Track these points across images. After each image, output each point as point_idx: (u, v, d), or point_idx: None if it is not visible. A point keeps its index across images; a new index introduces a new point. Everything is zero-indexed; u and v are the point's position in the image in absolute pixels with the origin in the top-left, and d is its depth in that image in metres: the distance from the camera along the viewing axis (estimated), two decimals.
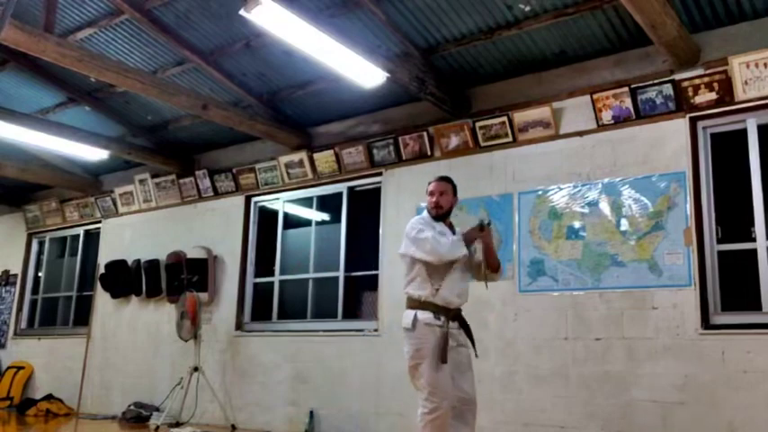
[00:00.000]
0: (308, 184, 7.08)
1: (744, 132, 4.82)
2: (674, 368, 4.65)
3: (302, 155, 6.96)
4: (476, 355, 3.95)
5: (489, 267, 3.98)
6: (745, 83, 4.62)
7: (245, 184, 7.50)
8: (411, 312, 3.79)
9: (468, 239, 3.94)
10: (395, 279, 6.10)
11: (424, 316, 3.75)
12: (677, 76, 4.92)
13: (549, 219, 5.38)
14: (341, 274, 6.65)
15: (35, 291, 9.91)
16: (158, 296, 7.96)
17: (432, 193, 4.00)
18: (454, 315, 3.83)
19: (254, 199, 7.58)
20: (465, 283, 3.97)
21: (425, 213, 4.03)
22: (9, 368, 9.27)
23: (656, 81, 4.99)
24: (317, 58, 5.13)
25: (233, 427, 6.74)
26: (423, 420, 3.61)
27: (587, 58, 5.42)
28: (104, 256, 8.71)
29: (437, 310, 3.76)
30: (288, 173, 7.13)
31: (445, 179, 4.09)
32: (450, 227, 4.01)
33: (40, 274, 10.02)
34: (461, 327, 3.90)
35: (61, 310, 9.47)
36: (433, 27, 5.41)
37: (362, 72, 5.27)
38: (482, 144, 5.83)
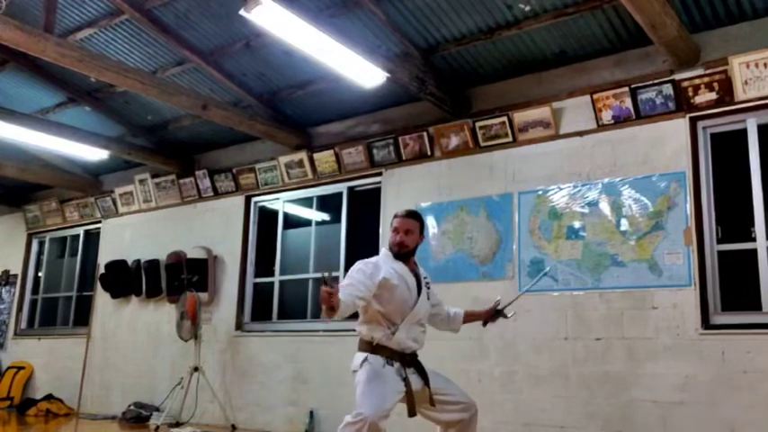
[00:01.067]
0: (308, 184, 7.08)
1: (744, 132, 4.82)
2: (674, 368, 4.65)
3: (302, 155, 6.96)
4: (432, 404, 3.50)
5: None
6: (745, 83, 4.62)
7: (245, 184, 7.50)
8: (361, 356, 3.42)
9: (482, 317, 3.94)
10: None
11: (375, 362, 3.37)
12: (677, 76, 4.92)
13: (549, 219, 5.38)
14: (341, 274, 6.65)
15: (35, 291, 9.91)
16: (158, 296, 7.96)
17: (396, 230, 3.60)
18: (410, 360, 3.46)
19: (254, 199, 7.58)
20: (423, 327, 3.61)
21: (385, 250, 3.65)
22: (9, 368, 9.27)
23: (656, 81, 4.99)
24: (317, 58, 5.13)
25: (233, 427, 6.74)
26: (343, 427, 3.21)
27: (587, 58, 5.42)
28: (104, 256, 8.71)
29: (391, 355, 3.40)
30: (288, 173, 7.13)
31: (412, 215, 3.67)
32: (414, 268, 3.64)
33: (40, 274, 10.02)
34: (417, 372, 3.48)
35: (61, 310, 9.47)
36: (433, 27, 5.41)
37: (362, 72, 5.27)
38: (482, 144, 5.83)
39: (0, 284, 10.10)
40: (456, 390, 3.61)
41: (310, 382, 6.50)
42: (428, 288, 3.66)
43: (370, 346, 3.42)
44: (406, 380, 3.38)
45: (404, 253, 3.59)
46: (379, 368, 3.35)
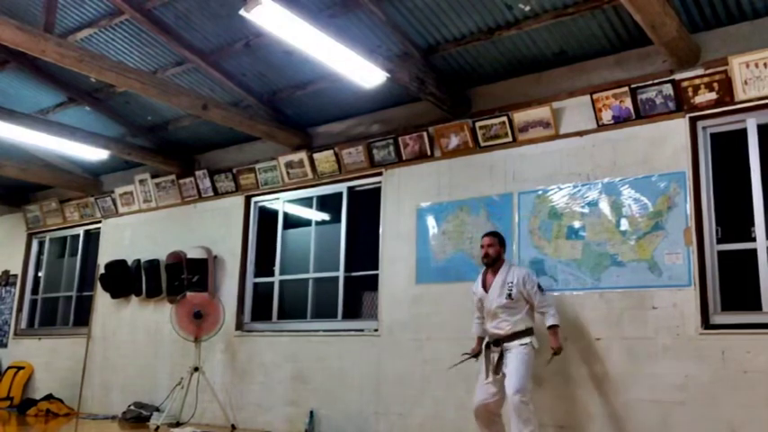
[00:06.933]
0: (308, 184, 7.08)
1: (744, 132, 4.82)
2: (674, 368, 4.65)
3: (302, 155, 6.96)
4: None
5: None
6: (745, 83, 4.62)
7: (245, 184, 7.50)
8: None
9: None
10: (395, 279, 6.11)
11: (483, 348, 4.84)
12: (677, 76, 4.92)
13: (549, 219, 5.38)
14: (341, 274, 6.65)
15: (35, 291, 9.91)
16: (158, 296, 7.96)
17: (482, 246, 4.93)
18: (495, 342, 4.74)
19: (254, 199, 7.58)
20: (503, 317, 4.72)
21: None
22: (9, 368, 9.28)
23: (656, 81, 4.99)
24: (317, 58, 5.14)
25: (233, 427, 6.74)
26: None
27: (587, 58, 5.42)
28: (104, 256, 8.71)
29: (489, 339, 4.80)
30: (288, 173, 7.13)
31: (492, 234, 4.98)
32: (498, 273, 4.82)
33: (40, 274, 10.02)
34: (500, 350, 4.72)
35: (61, 310, 9.46)
36: (432, 27, 5.41)
37: (362, 72, 5.27)
38: (482, 144, 5.83)
39: (0, 284, 10.10)
40: (510, 377, 4.55)
41: (310, 382, 6.50)
42: (509, 288, 4.73)
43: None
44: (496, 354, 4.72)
45: (489, 262, 4.88)
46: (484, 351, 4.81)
